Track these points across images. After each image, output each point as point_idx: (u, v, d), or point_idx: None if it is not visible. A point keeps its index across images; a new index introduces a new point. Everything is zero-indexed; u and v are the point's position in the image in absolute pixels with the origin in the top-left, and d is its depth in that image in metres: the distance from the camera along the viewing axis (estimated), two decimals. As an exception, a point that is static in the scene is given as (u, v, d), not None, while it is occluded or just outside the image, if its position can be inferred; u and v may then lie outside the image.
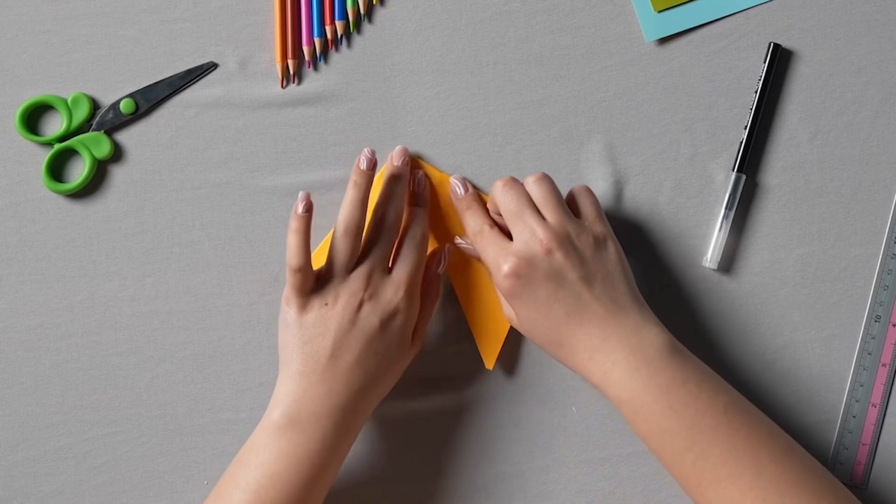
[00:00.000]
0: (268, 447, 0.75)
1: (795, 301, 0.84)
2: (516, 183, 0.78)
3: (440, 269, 0.81)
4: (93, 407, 0.84)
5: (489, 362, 0.83)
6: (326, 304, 0.77)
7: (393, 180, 0.80)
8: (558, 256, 0.75)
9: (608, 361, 0.74)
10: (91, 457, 0.84)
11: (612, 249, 0.77)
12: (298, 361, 0.76)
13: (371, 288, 0.77)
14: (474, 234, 0.79)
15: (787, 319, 0.84)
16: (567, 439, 0.84)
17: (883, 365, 0.84)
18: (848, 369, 0.84)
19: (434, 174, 0.83)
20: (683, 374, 0.73)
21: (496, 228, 0.78)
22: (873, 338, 0.84)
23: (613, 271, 0.76)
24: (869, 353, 0.84)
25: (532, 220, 0.76)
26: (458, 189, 0.81)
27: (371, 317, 0.76)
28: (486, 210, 0.80)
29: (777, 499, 0.70)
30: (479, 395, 0.84)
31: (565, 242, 0.75)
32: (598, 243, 0.76)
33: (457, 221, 0.83)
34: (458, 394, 0.84)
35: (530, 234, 0.75)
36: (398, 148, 0.82)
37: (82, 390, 0.84)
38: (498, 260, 0.76)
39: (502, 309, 0.80)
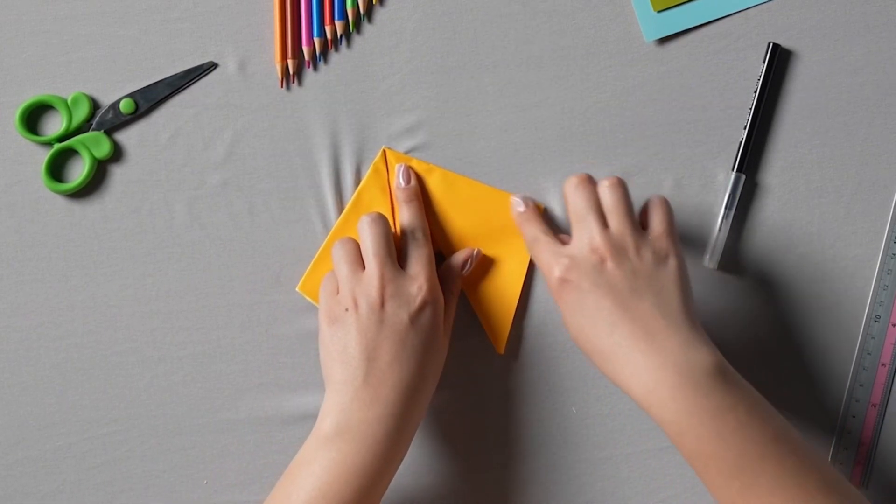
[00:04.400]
0: (317, 459, 0.73)
1: (795, 301, 0.84)
2: (589, 184, 0.77)
3: (465, 272, 0.81)
4: (93, 407, 0.84)
5: (500, 347, 0.83)
6: (347, 310, 0.76)
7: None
8: (611, 266, 0.74)
9: (652, 380, 0.71)
10: (91, 456, 0.84)
11: (673, 266, 0.75)
12: (338, 372, 0.75)
13: (390, 286, 0.76)
14: (530, 242, 0.79)
15: (787, 319, 0.84)
16: (567, 439, 0.84)
17: (883, 365, 0.84)
18: (848, 369, 0.84)
19: (439, 172, 0.83)
20: (733, 398, 0.71)
21: (551, 235, 0.78)
22: (873, 338, 0.84)
23: (668, 288, 0.74)
24: (869, 353, 0.84)
25: (594, 226, 0.75)
26: (518, 206, 0.81)
27: (399, 313, 0.76)
28: (543, 221, 0.80)
29: None
30: (479, 396, 0.84)
31: (621, 253, 0.74)
32: (659, 259, 0.75)
33: (453, 216, 0.83)
34: (456, 394, 0.84)
35: (588, 240, 0.75)
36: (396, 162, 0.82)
37: (82, 390, 0.84)
38: (551, 262, 0.75)
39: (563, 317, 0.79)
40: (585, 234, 0.75)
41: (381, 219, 0.78)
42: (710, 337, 0.84)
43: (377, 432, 0.73)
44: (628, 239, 0.75)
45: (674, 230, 0.77)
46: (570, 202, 0.77)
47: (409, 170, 0.82)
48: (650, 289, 0.73)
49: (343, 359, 0.75)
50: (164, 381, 0.84)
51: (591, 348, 0.74)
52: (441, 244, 0.83)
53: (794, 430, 0.73)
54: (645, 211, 0.78)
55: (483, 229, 0.83)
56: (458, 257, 0.82)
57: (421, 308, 0.76)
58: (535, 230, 0.79)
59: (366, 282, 0.77)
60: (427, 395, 0.77)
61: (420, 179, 0.83)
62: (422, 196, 0.83)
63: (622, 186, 0.77)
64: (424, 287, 0.77)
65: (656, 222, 0.77)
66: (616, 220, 0.75)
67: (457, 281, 0.81)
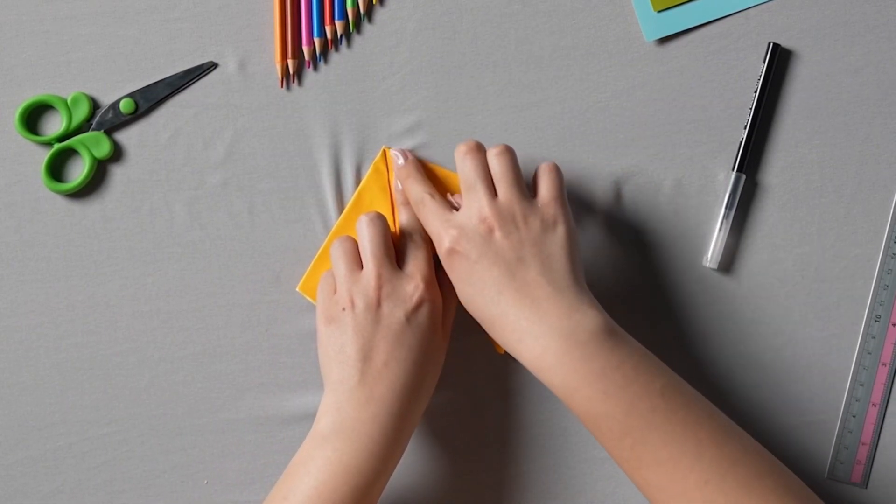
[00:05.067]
0: (314, 458, 0.73)
1: (795, 301, 0.84)
2: (479, 152, 0.77)
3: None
4: (93, 407, 0.84)
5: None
6: (344, 310, 0.76)
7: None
8: (498, 236, 0.74)
9: (538, 346, 0.72)
10: (91, 457, 0.84)
11: (561, 232, 0.75)
12: (336, 371, 0.75)
13: (386, 286, 0.76)
14: (416, 203, 0.78)
15: (787, 319, 0.84)
16: (567, 439, 0.84)
17: (883, 365, 0.84)
18: (848, 369, 0.84)
19: (439, 172, 0.83)
20: (618, 357, 0.72)
21: (438, 197, 0.78)
22: (873, 337, 0.84)
23: (556, 255, 0.74)
24: (869, 353, 0.84)
25: (482, 196, 0.75)
26: (398, 159, 0.81)
27: (395, 312, 0.76)
28: (427, 179, 0.80)
29: (719, 480, 0.69)
30: (478, 396, 0.84)
31: (509, 222, 0.75)
32: (546, 226, 0.75)
33: None
34: (456, 394, 0.84)
35: (477, 210, 0.75)
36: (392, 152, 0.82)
37: (82, 390, 0.84)
38: (440, 232, 0.76)
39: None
40: (475, 203, 0.75)
41: (380, 218, 0.78)
42: (710, 337, 0.84)
43: (373, 431, 0.73)
44: (516, 207, 0.75)
45: (562, 196, 0.77)
46: (460, 170, 0.77)
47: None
48: (537, 257, 0.74)
49: (340, 358, 0.75)
50: (164, 381, 0.84)
51: (481, 317, 0.75)
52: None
53: (685, 384, 0.73)
54: (535, 179, 0.78)
55: None
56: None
57: (417, 307, 0.76)
58: (420, 190, 0.79)
59: (363, 282, 0.77)
60: (425, 395, 0.77)
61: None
62: None
63: (510, 154, 0.77)
64: (421, 286, 0.77)
65: (545, 189, 0.77)
66: (504, 188, 0.76)
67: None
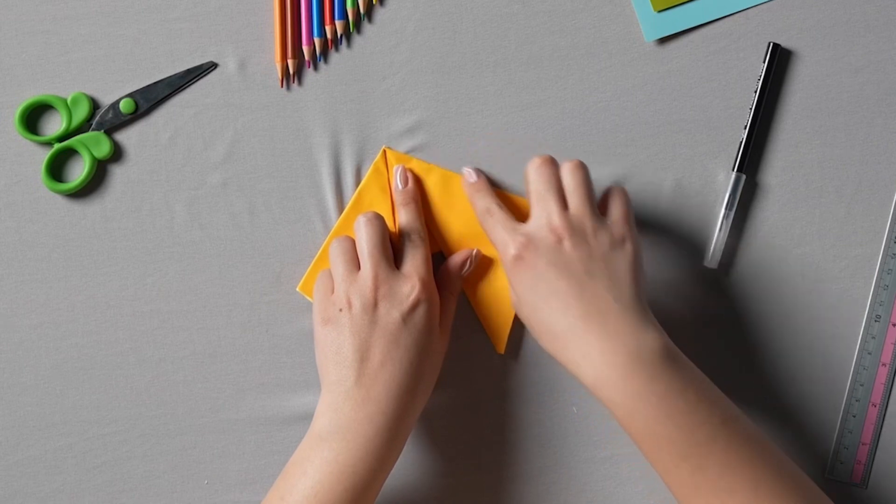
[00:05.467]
0: (311, 458, 0.73)
1: (795, 301, 0.84)
2: (552, 165, 0.77)
3: (464, 272, 0.81)
4: (93, 407, 0.84)
5: (500, 346, 0.83)
6: (341, 311, 0.76)
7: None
8: (567, 246, 0.74)
9: (604, 362, 0.71)
10: (91, 457, 0.84)
11: (629, 251, 0.75)
12: (332, 372, 0.75)
13: (383, 286, 0.76)
14: (482, 213, 0.78)
15: (787, 319, 0.84)
16: (567, 439, 0.84)
17: (883, 365, 0.84)
18: (848, 369, 0.84)
19: (438, 172, 0.83)
20: (682, 381, 0.72)
21: (505, 209, 0.78)
22: (873, 338, 0.84)
23: (623, 272, 0.74)
24: (869, 353, 0.84)
25: (553, 206, 0.75)
26: (470, 177, 0.81)
27: (392, 312, 0.76)
28: (494, 194, 0.80)
29: None
30: (478, 396, 0.84)
31: (578, 234, 0.74)
32: (615, 244, 0.75)
33: (452, 217, 0.83)
34: (456, 394, 0.84)
35: (546, 219, 0.75)
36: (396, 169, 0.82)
37: (82, 390, 0.84)
38: (506, 239, 0.75)
39: (510, 293, 0.80)
40: (544, 213, 0.75)
41: (377, 218, 0.78)
42: (710, 337, 0.84)
43: (369, 431, 0.73)
44: (587, 221, 0.75)
45: (631, 217, 0.77)
46: (531, 181, 0.77)
47: (406, 171, 0.82)
48: (605, 272, 0.74)
49: (337, 359, 0.75)
50: (165, 381, 0.84)
51: (542, 329, 0.74)
52: (441, 244, 0.83)
53: (744, 416, 0.73)
54: (604, 199, 0.78)
55: (479, 232, 0.82)
56: (457, 258, 0.82)
57: (413, 307, 0.76)
58: (487, 201, 0.79)
59: (360, 282, 0.77)
60: (423, 395, 0.77)
61: (419, 180, 0.83)
62: (421, 196, 0.83)
63: (584, 169, 0.77)
64: (417, 286, 0.77)
65: (615, 209, 0.77)
66: (576, 201, 0.76)
67: (455, 281, 0.81)
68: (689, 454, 0.70)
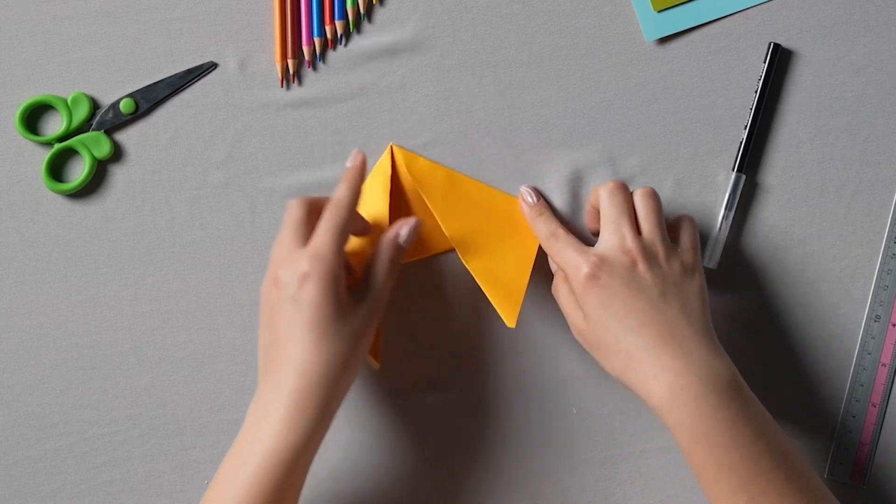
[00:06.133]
0: (237, 444, 0.73)
1: (795, 301, 0.84)
2: (625, 191, 0.78)
3: (402, 241, 0.77)
4: (93, 407, 0.84)
5: (511, 320, 0.79)
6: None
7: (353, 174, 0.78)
8: (641, 268, 0.74)
9: (677, 384, 0.72)
10: (91, 457, 0.84)
11: (699, 281, 0.76)
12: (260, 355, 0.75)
13: (289, 263, 0.73)
14: (547, 237, 0.79)
15: (788, 319, 0.84)
16: (567, 439, 0.84)
17: (883, 365, 0.84)
18: (848, 369, 0.84)
19: (444, 172, 0.83)
20: (749, 411, 0.72)
21: (570, 233, 0.78)
22: (873, 338, 0.84)
23: (694, 299, 0.75)
24: (869, 353, 0.84)
25: (626, 229, 0.76)
26: (528, 198, 0.82)
27: (286, 289, 0.73)
28: (555, 216, 0.80)
29: None
30: (478, 396, 0.84)
31: (652, 258, 0.75)
32: (686, 271, 0.76)
33: (456, 216, 0.82)
34: (456, 396, 0.84)
35: (620, 241, 0.75)
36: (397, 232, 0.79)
37: (82, 390, 0.84)
38: (577, 259, 0.75)
39: (567, 316, 0.78)
40: (616, 236, 0.76)
41: (301, 203, 0.76)
42: (711, 337, 0.84)
43: (269, 412, 0.72)
44: (659, 246, 0.76)
45: (700, 248, 0.78)
46: (605, 205, 0.77)
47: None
48: (678, 297, 0.74)
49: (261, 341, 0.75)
50: (165, 381, 0.84)
51: (613, 348, 0.74)
52: (445, 243, 0.83)
53: (800, 453, 0.74)
54: (673, 226, 0.79)
55: (486, 230, 0.82)
56: (391, 228, 0.78)
57: (302, 282, 0.73)
58: (551, 225, 0.79)
59: (271, 263, 0.75)
60: (327, 372, 0.72)
61: (425, 178, 0.83)
62: (426, 195, 0.82)
63: (656, 197, 0.78)
64: (304, 260, 0.73)
65: (685, 237, 0.78)
66: (649, 227, 0.76)
67: (391, 252, 0.77)
68: (748, 484, 0.71)
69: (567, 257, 0.77)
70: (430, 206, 0.82)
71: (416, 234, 0.78)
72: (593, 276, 0.74)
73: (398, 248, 0.77)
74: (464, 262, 0.81)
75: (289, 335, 0.73)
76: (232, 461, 0.73)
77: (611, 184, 0.78)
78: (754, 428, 0.72)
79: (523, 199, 0.82)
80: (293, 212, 0.76)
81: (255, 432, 0.72)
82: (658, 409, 0.72)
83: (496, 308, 0.80)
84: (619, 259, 0.75)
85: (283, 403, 0.72)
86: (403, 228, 0.77)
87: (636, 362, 0.73)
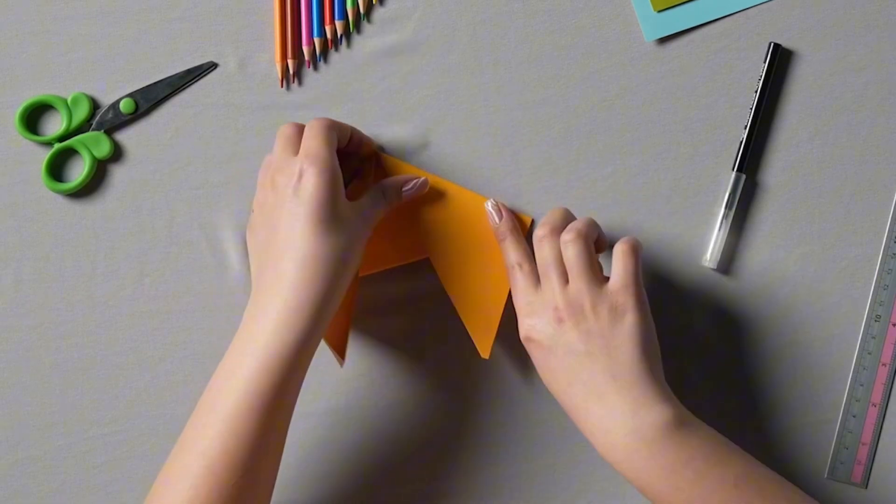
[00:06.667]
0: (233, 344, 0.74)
1: (795, 301, 0.84)
2: (552, 237, 0.77)
3: (406, 190, 0.80)
4: (93, 407, 0.84)
5: (484, 351, 0.81)
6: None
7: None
8: (568, 326, 0.75)
9: (607, 441, 0.73)
10: (91, 456, 0.84)
11: (630, 321, 0.75)
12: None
13: (283, 168, 0.74)
14: (510, 267, 0.79)
15: (787, 319, 0.84)
16: (567, 439, 0.84)
17: (883, 365, 0.84)
18: (848, 369, 0.84)
19: (430, 179, 0.83)
20: (688, 451, 0.72)
21: (527, 268, 0.78)
22: (873, 337, 0.84)
23: (623, 346, 0.74)
24: (869, 353, 0.84)
25: (555, 284, 0.76)
26: (494, 216, 0.81)
27: (284, 189, 0.73)
28: (524, 243, 0.80)
29: None
30: (478, 397, 0.84)
31: (578, 313, 0.75)
32: (615, 315, 0.75)
33: (441, 222, 0.82)
34: (457, 396, 0.84)
35: (550, 298, 0.76)
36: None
37: (82, 390, 0.84)
38: (520, 316, 0.77)
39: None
40: (549, 290, 0.76)
41: (293, 123, 0.77)
42: (710, 337, 0.84)
43: (268, 309, 0.71)
44: (585, 298, 0.75)
45: (636, 282, 0.76)
46: (536, 255, 0.78)
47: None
48: (604, 349, 0.74)
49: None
50: (164, 381, 0.84)
51: (560, 402, 0.76)
52: (429, 250, 0.82)
53: (760, 466, 0.73)
54: (614, 256, 0.77)
55: (471, 235, 0.82)
56: (406, 176, 0.81)
57: (300, 177, 0.73)
58: (514, 256, 0.79)
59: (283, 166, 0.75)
60: (327, 265, 0.72)
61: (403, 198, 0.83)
62: (412, 203, 0.82)
63: (580, 242, 0.76)
64: (298, 161, 0.73)
65: (617, 274, 0.76)
66: (573, 277, 0.76)
67: (391, 189, 0.79)
68: None
69: (517, 299, 0.78)
70: (414, 215, 0.82)
71: (420, 191, 0.81)
72: (528, 338, 0.77)
73: (398, 191, 0.80)
74: (443, 285, 0.82)
75: (289, 229, 0.72)
76: (229, 361, 0.72)
77: (539, 231, 0.78)
78: (696, 467, 0.71)
79: (490, 216, 0.82)
80: (285, 129, 0.77)
81: (252, 331, 0.72)
82: (605, 460, 0.74)
83: (472, 337, 0.82)
84: (548, 319, 0.75)
85: (282, 297, 0.71)
86: (413, 181, 0.81)
87: (575, 418, 0.75)
